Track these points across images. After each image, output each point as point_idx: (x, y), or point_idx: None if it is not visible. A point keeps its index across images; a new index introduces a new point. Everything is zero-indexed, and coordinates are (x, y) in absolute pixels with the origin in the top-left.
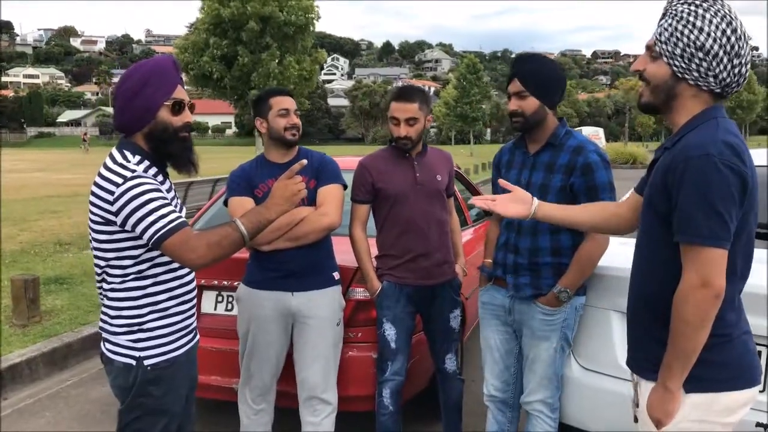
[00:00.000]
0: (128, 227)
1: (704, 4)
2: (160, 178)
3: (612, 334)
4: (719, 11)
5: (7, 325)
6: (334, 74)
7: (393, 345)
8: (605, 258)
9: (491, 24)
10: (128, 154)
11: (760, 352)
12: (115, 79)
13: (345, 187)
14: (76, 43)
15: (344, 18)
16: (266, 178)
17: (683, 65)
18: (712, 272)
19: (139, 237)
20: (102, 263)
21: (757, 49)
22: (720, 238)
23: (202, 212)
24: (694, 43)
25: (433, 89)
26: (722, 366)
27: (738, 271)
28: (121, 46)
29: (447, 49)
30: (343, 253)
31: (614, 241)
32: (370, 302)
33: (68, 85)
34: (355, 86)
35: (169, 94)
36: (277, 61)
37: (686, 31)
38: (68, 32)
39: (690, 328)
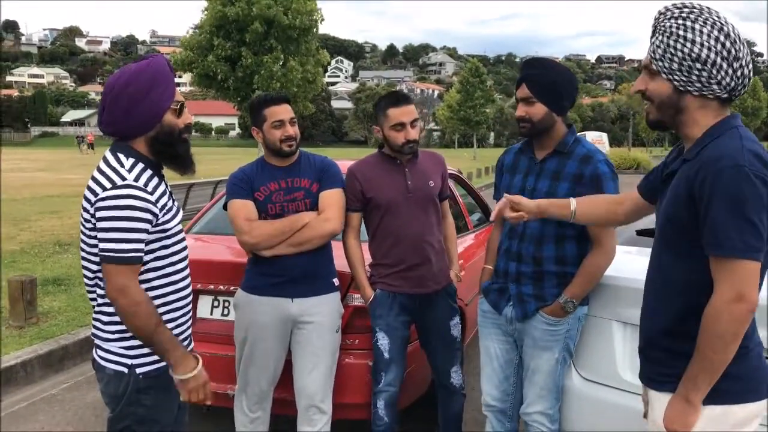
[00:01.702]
0: (96, 230)
1: (691, 16)
2: (155, 181)
3: (614, 344)
4: (708, 19)
5: (4, 326)
6: (338, 77)
7: (386, 355)
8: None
9: (495, 28)
10: (122, 156)
11: None
12: None
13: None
14: (81, 43)
15: (348, 20)
16: (267, 181)
17: (683, 78)
18: (747, 286)
19: (98, 243)
20: (94, 267)
21: (761, 55)
22: (755, 250)
23: (201, 214)
24: (689, 55)
25: (437, 92)
26: (738, 378)
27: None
28: (125, 46)
29: (451, 52)
30: (342, 258)
31: (618, 250)
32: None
33: (72, 85)
34: (359, 89)
35: (173, 97)
36: (280, 63)
37: (678, 45)
38: (73, 32)
39: (722, 342)
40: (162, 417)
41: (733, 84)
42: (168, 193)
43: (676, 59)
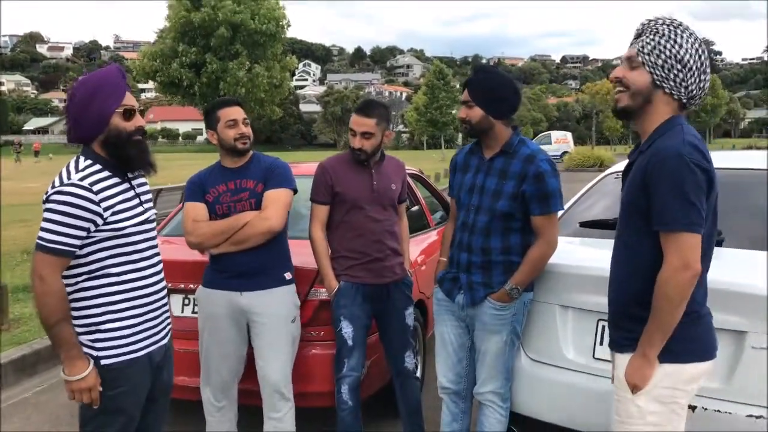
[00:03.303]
0: None
1: (681, 27)
2: (109, 182)
3: (557, 326)
4: (692, 34)
5: None
6: (306, 80)
7: (350, 342)
8: None
9: (462, 30)
10: (81, 159)
11: None
12: None
13: (295, 191)
14: (42, 49)
15: (315, 23)
16: (217, 183)
17: (663, 74)
18: (691, 255)
19: None
20: None
21: (720, 53)
22: (696, 224)
23: (170, 218)
24: (675, 56)
25: (405, 95)
26: (691, 340)
27: (705, 253)
28: (89, 52)
29: (418, 54)
30: (307, 255)
31: (562, 240)
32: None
33: (35, 92)
34: (327, 92)
35: (119, 102)
36: (246, 69)
37: (668, 45)
38: (34, 38)
39: (672, 305)
40: (127, 407)
41: (694, 92)
42: (134, 196)
43: (662, 56)
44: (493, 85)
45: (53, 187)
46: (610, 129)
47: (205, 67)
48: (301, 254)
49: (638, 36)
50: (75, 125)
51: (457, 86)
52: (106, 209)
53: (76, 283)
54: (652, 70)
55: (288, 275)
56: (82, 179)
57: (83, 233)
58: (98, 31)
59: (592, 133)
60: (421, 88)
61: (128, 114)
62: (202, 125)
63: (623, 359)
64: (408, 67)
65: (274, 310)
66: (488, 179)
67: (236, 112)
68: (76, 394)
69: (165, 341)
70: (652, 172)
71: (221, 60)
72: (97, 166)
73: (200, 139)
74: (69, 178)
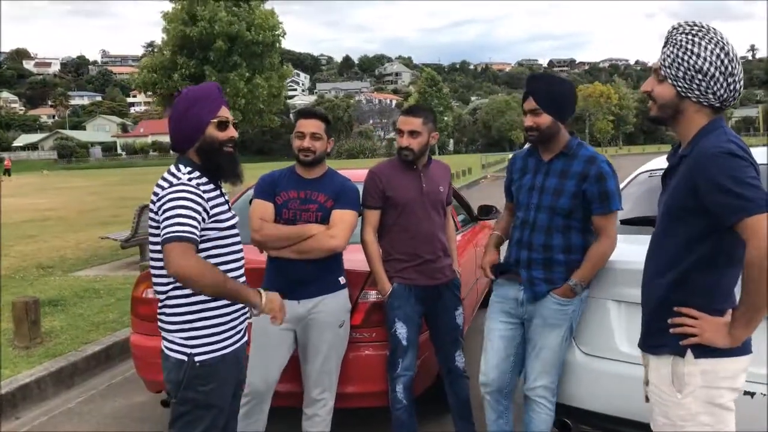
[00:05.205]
0: (161, 224)
1: (700, 33)
2: (209, 186)
3: (611, 321)
4: (713, 38)
5: (10, 347)
6: (296, 90)
7: (404, 342)
8: None
9: (448, 36)
10: (181, 166)
11: None
12: (72, 101)
13: (360, 214)
14: (29, 65)
15: (302, 33)
16: (288, 189)
17: (685, 86)
18: None
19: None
20: (157, 264)
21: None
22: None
23: None
24: (693, 66)
25: (394, 102)
26: None
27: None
28: (76, 67)
29: (406, 62)
30: (356, 259)
31: None
32: (383, 304)
33: (22, 108)
34: (318, 101)
35: (214, 113)
36: (245, 80)
37: (686, 57)
38: (21, 55)
39: (758, 289)
40: (218, 402)
41: (726, 95)
42: (223, 199)
43: (681, 68)
44: (558, 89)
45: (164, 189)
46: (601, 131)
47: (204, 79)
48: (351, 258)
49: (665, 45)
50: (174, 133)
51: (448, 92)
52: (211, 208)
53: (174, 283)
54: (674, 82)
55: (342, 280)
56: (189, 180)
57: (200, 224)
58: (85, 47)
59: (585, 135)
60: (413, 95)
61: (222, 125)
62: None
63: (657, 362)
64: (397, 74)
65: (325, 316)
66: (548, 179)
67: (308, 125)
68: (272, 312)
69: (245, 338)
70: (701, 170)
71: (220, 72)
72: (197, 173)
73: None
74: (178, 179)
